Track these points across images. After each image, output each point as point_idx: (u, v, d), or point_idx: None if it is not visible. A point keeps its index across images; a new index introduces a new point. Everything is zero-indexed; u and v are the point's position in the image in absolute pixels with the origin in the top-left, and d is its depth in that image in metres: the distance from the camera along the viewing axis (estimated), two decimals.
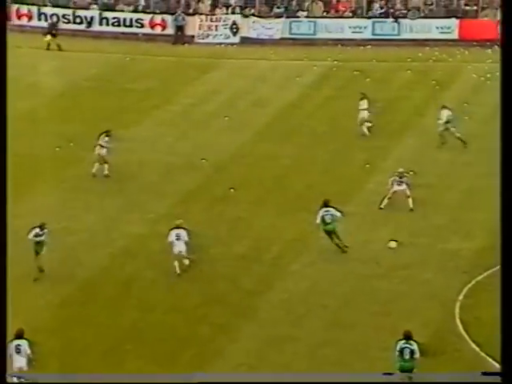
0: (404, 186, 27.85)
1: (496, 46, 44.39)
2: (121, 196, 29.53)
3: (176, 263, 24.25)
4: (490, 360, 20.09)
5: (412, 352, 19.33)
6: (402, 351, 19.42)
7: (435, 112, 34.56)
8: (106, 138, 30.74)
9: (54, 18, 48.08)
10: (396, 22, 46.99)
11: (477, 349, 20.65)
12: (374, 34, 46.99)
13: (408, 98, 38.47)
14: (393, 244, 25.49)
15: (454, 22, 46.20)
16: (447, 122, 32.71)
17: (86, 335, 21.79)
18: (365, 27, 47.26)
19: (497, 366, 19.65)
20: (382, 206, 28.02)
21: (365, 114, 34.28)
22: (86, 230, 27.09)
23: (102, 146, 30.52)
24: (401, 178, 27.97)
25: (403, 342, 19.51)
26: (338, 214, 25.44)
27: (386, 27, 47.10)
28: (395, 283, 23.91)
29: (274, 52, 45.75)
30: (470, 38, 45.61)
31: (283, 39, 47.59)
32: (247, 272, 24.96)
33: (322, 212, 25.34)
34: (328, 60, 44.10)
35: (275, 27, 47.83)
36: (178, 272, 24.25)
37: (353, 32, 47.37)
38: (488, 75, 40.59)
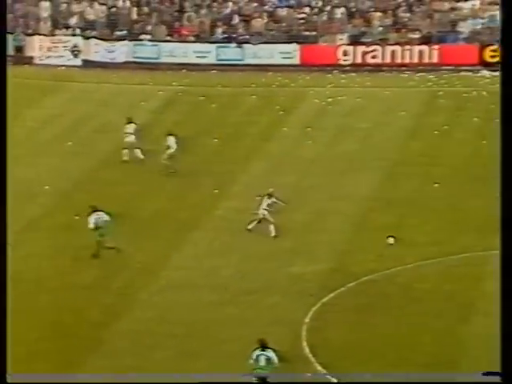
0: (267, 212, 27.82)
1: (336, 71, 45.83)
2: None
3: None
4: (336, 381, 20.49)
5: (268, 359, 19.68)
6: (257, 358, 19.76)
7: (280, 137, 35.23)
8: None
9: None
10: (239, 47, 47.63)
11: (323, 370, 20.99)
12: (218, 60, 47.44)
13: (254, 123, 39.01)
14: (391, 240, 26.45)
15: (295, 47, 47.26)
16: (170, 149, 33.01)
17: None
18: (209, 52, 47.66)
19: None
20: (250, 227, 28.07)
21: (132, 138, 34.21)
22: None
23: None
24: (270, 197, 28.00)
25: (259, 350, 19.82)
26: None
27: (230, 52, 47.65)
28: (242, 309, 24.06)
29: (117, 76, 45.42)
30: (310, 63, 46.78)
31: (127, 63, 47.31)
32: (93, 302, 24.51)
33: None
34: (173, 85, 44.17)
35: (118, 50, 47.50)
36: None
37: (197, 57, 47.66)
38: (329, 99, 41.75)
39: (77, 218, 29.18)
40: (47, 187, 31.56)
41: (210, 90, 43.06)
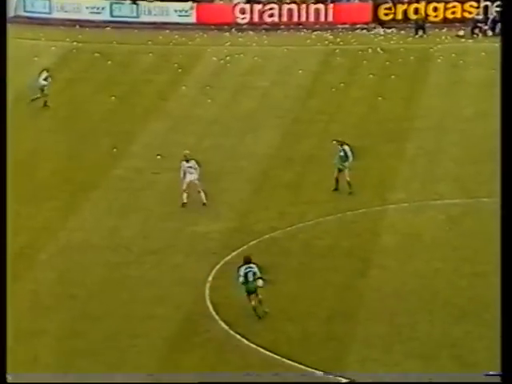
0: (195, 175, 26.79)
1: (234, 30, 45.71)
2: None
3: None
4: (239, 337, 20.76)
5: (254, 274, 21.28)
6: (246, 275, 21.27)
7: (179, 96, 34.96)
8: None
9: None
10: (134, 3, 46.91)
11: (226, 327, 21.23)
12: (112, 16, 46.67)
13: (151, 82, 38.64)
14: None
15: (191, 5, 46.82)
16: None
17: None
18: (103, 8, 46.83)
19: (245, 343, 20.40)
20: (184, 201, 26.91)
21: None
22: None
23: None
24: (188, 161, 26.98)
25: (245, 266, 21.34)
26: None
27: (125, 9, 46.89)
28: (145, 269, 24.01)
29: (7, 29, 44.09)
30: (207, 22, 46.50)
31: (17, 17, 46.05)
32: None
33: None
34: (67, 41, 43.28)
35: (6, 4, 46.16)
36: None
37: (90, 13, 46.78)
38: (227, 58, 41.68)
39: None
40: None
41: (105, 47, 42.38)
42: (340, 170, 28.11)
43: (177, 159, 29.46)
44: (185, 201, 27.10)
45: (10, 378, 17.65)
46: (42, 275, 23.71)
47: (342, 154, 28.11)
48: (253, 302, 21.56)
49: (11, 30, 43.18)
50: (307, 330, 21.24)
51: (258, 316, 21.65)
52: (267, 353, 20.18)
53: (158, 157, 29.27)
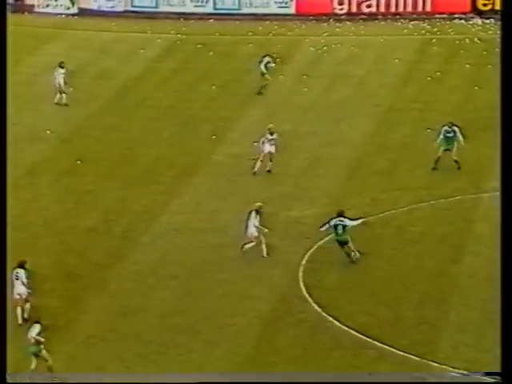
0: (273, 148, 28.29)
1: (332, 20, 45.45)
2: None
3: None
4: (331, 319, 20.74)
5: (344, 227, 22.43)
6: (335, 227, 22.47)
7: (277, 84, 35.00)
8: None
9: None
10: None
11: (319, 309, 21.23)
12: (215, 9, 47.02)
13: (251, 71, 38.80)
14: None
15: None
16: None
17: None
18: (206, 1, 47.20)
19: (337, 325, 20.41)
20: (255, 170, 28.29)
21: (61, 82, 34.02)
22: None
23: None
24: (271, 134, 28.33)
25: (336, 219, 22.52)
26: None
27: (227, 2, 47.15)
28: (242, 251, 24.20)
29: (116, 24, 45.02)
30: (306, 13, 46.38)
31: (125, 12, 46.90)
32: (96, 245, 24.64)
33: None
34: (171, 33, 43.83)
35: None
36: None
37: (195, 6, 47.21)
38: (324, 48, 41.50)
39: (78, 162, 29.25)
40: (48, 132, 31.50)
41: (207, 38, 42.72)
42: (446, 150, 28.47)
43: None
44: (256, 170, 28.28)
45: (9, 378, 18.10)
46: (145, 257, 24.14)
47: (451, 134, 28.37)
48: (345, 249, 22.63)
49: (120, 24, 44.53)
50: (399, 313, 21.08)
51: (352, 260, 22.56)
52: (359, 335, 20.13)
53: (255, 144, 29.40)
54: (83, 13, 46.66)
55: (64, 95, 34.06)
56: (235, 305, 21.69)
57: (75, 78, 37.12)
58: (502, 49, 17.83)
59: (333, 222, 22.70)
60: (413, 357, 19.28)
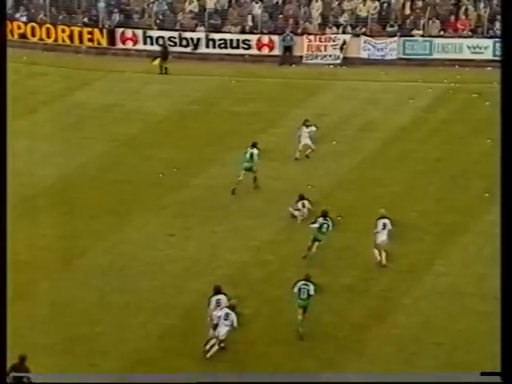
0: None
1: None
2: (224, 221, 29.73)
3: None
4: None
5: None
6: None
7: None
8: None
9: (161, 41, 48.77)
10: None
11: None
12: (495, 55, 46.14)
13: None
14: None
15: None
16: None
17: (189, 367, 21.86)
18: (485, 47, 46.51)
19: None
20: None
21: (308, 141, 34.26)
22: (187, 257, 27.37)
23: None
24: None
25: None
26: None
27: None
28: None
29: (385, 73, 45.52)
30: None
31: (396, 59, 47.32)
32: (354, 304, 24.74)
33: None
34: (444, 82, 43.61)
35: (388, 47, 47.53)
36: None
37: (472, 52, 46.68)
38: None
39: (339, 218, 29.56)
40: (310, 186, 32.21)
41: (484, 87, 41.99)
42: None
43: None
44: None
45: (9, 378, 18.18)
46: (406, 320, 23.89)
47: None
48: None
49: (390, 73, 44.85)
50: None
51: None
52: None
53: None
54: (351, 62, 47.63)
55: (309, 151, 34.76)
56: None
57: (339, 129, 37.89)
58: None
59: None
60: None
